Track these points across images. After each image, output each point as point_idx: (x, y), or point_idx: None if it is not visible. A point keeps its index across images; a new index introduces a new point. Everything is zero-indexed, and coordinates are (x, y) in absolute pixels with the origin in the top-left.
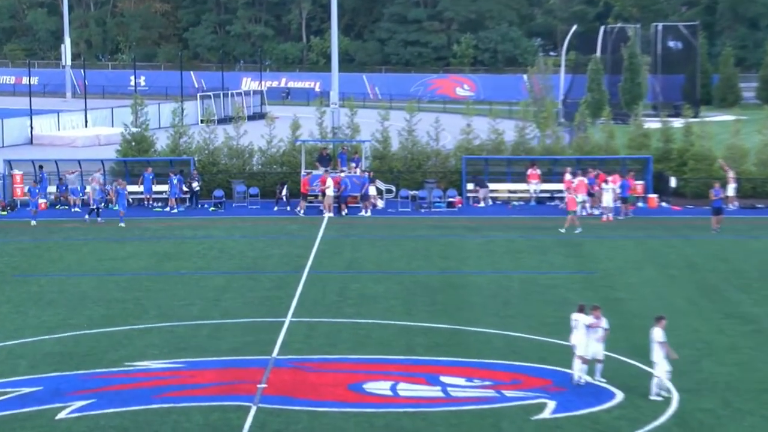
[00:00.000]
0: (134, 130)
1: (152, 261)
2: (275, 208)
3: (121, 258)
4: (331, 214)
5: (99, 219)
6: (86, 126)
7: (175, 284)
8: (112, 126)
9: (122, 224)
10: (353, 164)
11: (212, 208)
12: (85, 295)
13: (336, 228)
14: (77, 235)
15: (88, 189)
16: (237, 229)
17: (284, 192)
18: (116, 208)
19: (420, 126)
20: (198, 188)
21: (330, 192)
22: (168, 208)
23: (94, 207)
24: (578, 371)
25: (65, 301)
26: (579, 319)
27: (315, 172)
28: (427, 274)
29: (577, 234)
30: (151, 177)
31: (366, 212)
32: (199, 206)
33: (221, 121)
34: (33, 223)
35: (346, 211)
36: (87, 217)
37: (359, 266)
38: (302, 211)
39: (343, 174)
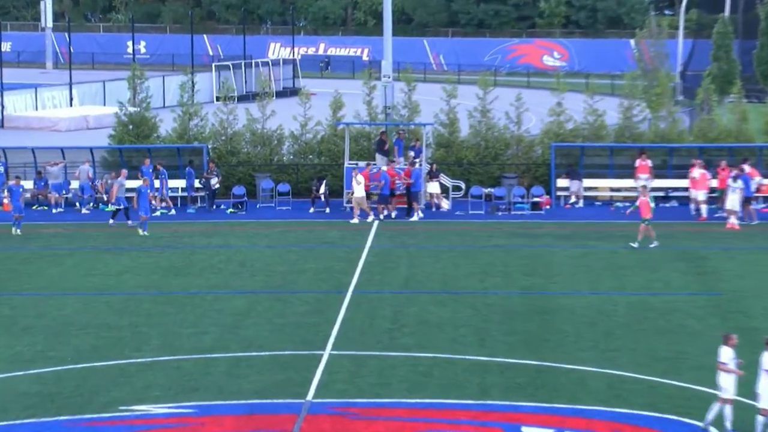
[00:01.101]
0: (132, 109)
1: (154, 277)
2: (311, 210)
3: (114, 273)
4: (372, 217)
5: (129, 222)
6: (71, 105)
7: (183, 307)
8: (104, 105)
9: (145, 232)
10: (412, 154)
11: (230, 210)
12: (69, 319)
13: (389, 236)
14: (59, 242)
15: (74, 184)
16: (262, 236)
17: (322, 189)
18: (115, 207)
19: (497, 105)
20: (217, 186)
21: (360, 191)
22: (164, 210)
23: (120, 207)
24: (729, 421)
25: (44, 327)
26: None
27: (371, 164)
28: (506, 295)
29: (697, 246)
30: (151, 171)
31: (415, 216)
32: (214, 207)
33: (242, 99)
34: (16, 231)
35: (385, 213)
36: (112, 221)
37: (418, 285)
38: (370, 218)
39: (389, 167)
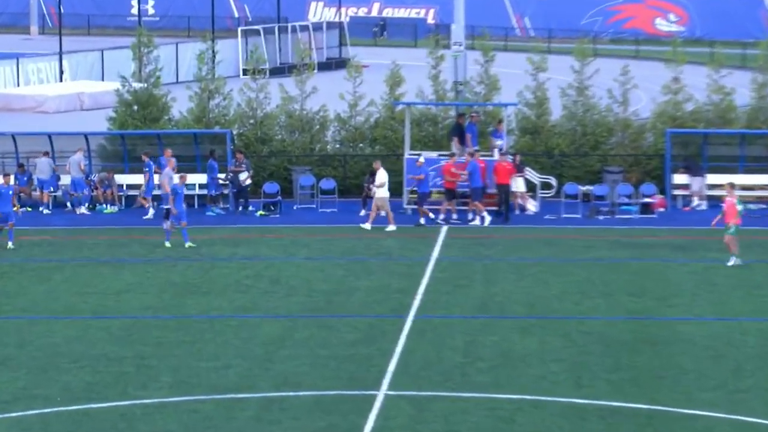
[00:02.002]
0: (137, 86)
1: (165, 297)
2: (362, 213)
3: (115, 291)
4: (392, 227)
5: (167, 223)
6: (61, 79)
7: (201, 334)
8: (102, 79)
9: (190, 244)
10: (499, 142)
11: (260, 213)
12: (58, 349)
13: (460, 245)
14: (46, 253)
15: (64, 180)
16: (300, 245)
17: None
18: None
19: (597, 81)
20: (248, 182)
21: (383, 192)
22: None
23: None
24: None
25: (28, 359)
26: None
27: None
28: (609, 320)
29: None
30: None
31: (477, 220)
32: (242, 209)
33: (276, 72)
34: (9, 244)
35: (424, 218)
36: (168, 223)
37: (498, 308)
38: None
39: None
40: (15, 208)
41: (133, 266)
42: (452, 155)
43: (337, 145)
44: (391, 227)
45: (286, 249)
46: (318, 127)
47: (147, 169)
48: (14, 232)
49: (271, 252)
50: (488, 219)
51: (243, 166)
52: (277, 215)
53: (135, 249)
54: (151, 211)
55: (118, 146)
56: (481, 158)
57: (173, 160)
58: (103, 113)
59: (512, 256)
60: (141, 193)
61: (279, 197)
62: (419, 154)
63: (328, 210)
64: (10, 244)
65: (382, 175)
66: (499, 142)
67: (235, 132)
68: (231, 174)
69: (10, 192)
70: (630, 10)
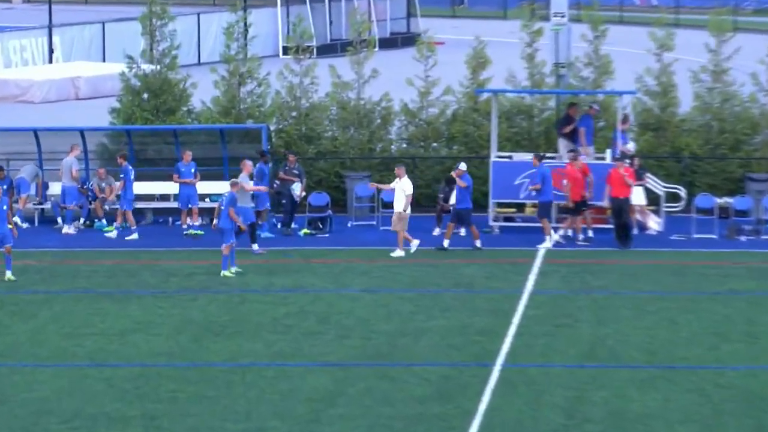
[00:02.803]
0: (148, 68)
1: (182, 339)
2: (436, 231)
3: (118, 332)
4: (416, 244)
5: (255, 247)
6: (51, 60)
7: (229, 387)
8: (103, 60)
9: (261, 250)
10: (631, 146)
11: (305, 231)
12: (46, 405)
13: (562, 274)
14: (32, 283)
15: (53, 188)
16: (356, 273)
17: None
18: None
19: (738, 62)
20: (300, 194)
21: (400, 206)
22: (191, 230)
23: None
24: None
25: (8, 418)
26: None
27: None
28: (753, 371)
29: None
30: (193, 169)
31: (547, 241)
32: (281, 225)
33: (325, 51)
34: (9, 276)
35: (477, 243)
36: (256, 246)
37: (610, 354)
38: (413, 243)
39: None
40: (10, 226)
41: (142, 300)
42: (575, 155)
43: (404, 145)
44: (399, 252)
45: (338, 278)
46: (379, 121)
47: (123, 175)
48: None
49: (318, 282)
50: (549, 242)
51: (294, 172)
52: (326, 234)
53: (144, 278)
54: (135, 235)
55: (123, 145)
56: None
57: (249, 163)
58: (104, 103)
59: (629, 287)
60: (111, 204)
61: (329, 211)
62: (509, 156)
63: (392, 227)
64: (8, 275)
65: (406, 185)
66: (630, 145)
67: (272, 128)
68: (280, 183)
69: (4, 207)
70: None
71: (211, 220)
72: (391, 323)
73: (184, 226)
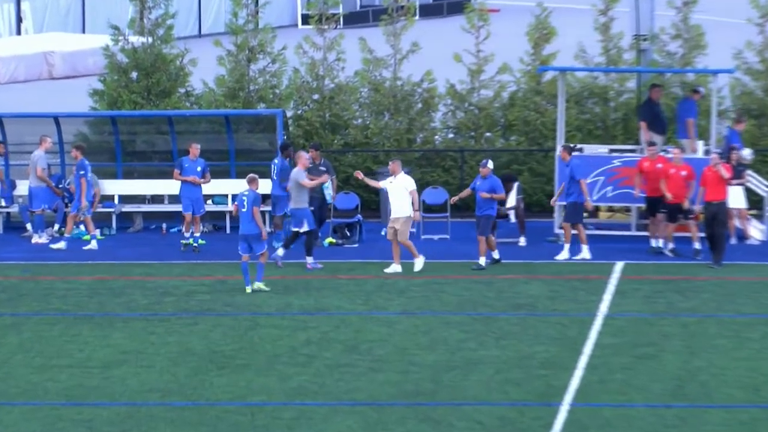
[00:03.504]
0: (138, 41)
1: (179, 372)
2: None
3: (102, 363)
4: (421, 262)
5: (309, 261)
6: (19, 32)
7: (237, 430)
8: (83, 32)
9: (317, 264)
10: (742, 151)
11: (330, 240)
12: None
13: (643, 293)
14: None
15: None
16: (392, 291)
17: (512, 200)
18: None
19: None
20: (332, 198)
21: (401, 209)
22: (190, 239)
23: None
24: None
25: None
26: None
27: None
28: None
29: None
30: (200, 167)
31: (584, 251)
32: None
33: (355, 20)
34: None
35: (496, 256)
36: (310, 260)
37: (702, 392)
38: (418, 261)
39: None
40: None
41: (130, 324)
42: (655, 149)
43: (451, 135)
44: (395, 267)
45: (370, 298)
46: (420, 106)
47: (83, 171)
48: None
49: (345, 302)
50: (586, 253)
51: (321, 169)
52: (355, 244)
53: (133, 297)
54: (94, 243)
55: (107, 135)
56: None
57: (306, 156)
58: (83, 84)
59: (725, 309)
60: (84, 210)
61: (358, 216)
62: (579, 149)
63: (436, 236)
64: None
65: (406, 183)
66: (747, 152)
67: (289, 113)
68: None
69: None
70: None
71: (216, 227)
72: (434, 353)
73: (187, 234)
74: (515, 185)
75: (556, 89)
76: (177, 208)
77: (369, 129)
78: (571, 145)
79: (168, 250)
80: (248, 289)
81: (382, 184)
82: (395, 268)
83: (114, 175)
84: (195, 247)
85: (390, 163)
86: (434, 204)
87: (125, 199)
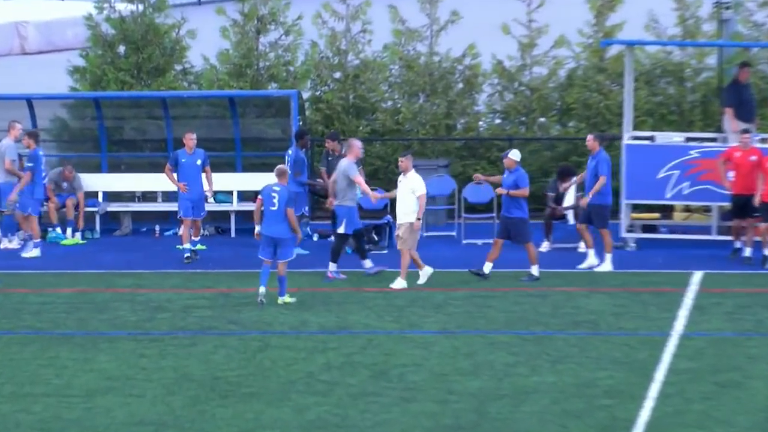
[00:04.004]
0: (125, 8)
1: (175, 402)
2: (545, 246)
3: (84, 392)
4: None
5: (367, 264)
6: None
7: None
8: None
9: (377, 269)
10: None
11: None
12: None
13: (727, 308)
14: None
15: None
16: (427, 306)
17: (571, 199)
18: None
19: None
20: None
21: (407, 214)
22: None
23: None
24: None
25: None
26: None
27: None
28: None
29: None
30: (200, 160)
31: (592, 259)
32: (314, 235)
33: None
34: None
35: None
36: (369, 264)
37: None
38: (407, 277)
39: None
40: None
41: (117, 345)
42: (748, 138)
43: (497, 120)
44: (400, 283)
45: (402, 314)
46: (461, 86)
47: (32, 164)
48: None
49: (372, 319)
50: (610, 264)
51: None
52: (384, 250)
53: (120, 313)
54: (35, 251)
55: (89, 121)
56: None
57: (358, 145)
58: (61, 60)
59: None
60: (10, 204)
61: (387, 217)
62: (650, 137)
63: (480, 241)
64: None
65: (414, 184)
66: None
67: (306, 95)
68: (321, 182)
69: None
70: None
71: (219, 230)
72: (478, 379)
73: (186, 246)
74: (574, 180)
75: (623, 66)
76: (172, 207)
77: (400, 113)
78: (605, 134)
79: (161, 257)
80: (261, 290)
81: (386, 195)
82: (400, 283)
83: (98, 168)
84: (190, 255)
85: (400, 159)
86: (478, 203)
87: (111, 196)
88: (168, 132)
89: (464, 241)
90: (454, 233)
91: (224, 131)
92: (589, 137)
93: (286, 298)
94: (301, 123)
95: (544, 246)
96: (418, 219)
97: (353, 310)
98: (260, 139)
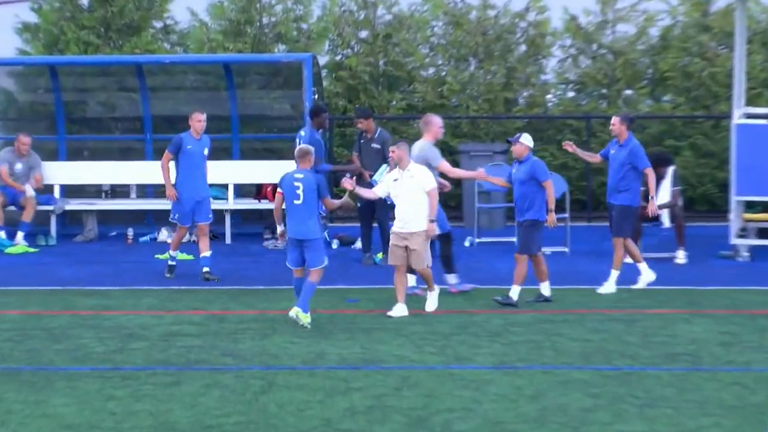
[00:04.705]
0: None
1: None
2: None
3: None
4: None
5: (452, 280)
6: None
7: None
8: None
9: (468, 287)
10: None
11: (381, 255)
12: None
13: None
14: None
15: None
16: (479, 333)
17: (668, 192)
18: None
19: None
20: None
21: (418, 215)
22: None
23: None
24: None
25: None
26: None
27: None
28: None
29: None
30: (206, 149)
31: (610, 284)
32: (334, 242)
33: None
34: None
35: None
36: (454, 279)
37: None
38: (430, 295)
39: None
40: None
41: (78, 383)
42: None
43: (571, 93)
44: (399, 310)
45: (448, 343)
46: (525, 49)
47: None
48: None
49: (409, 351)
50: (648, 278)
51: (376, 146)
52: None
53: (82, 341)
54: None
55: (42, 93)
56: None
57: (437, 120)
58: (7, 15)
59: None
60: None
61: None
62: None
63: (549, 249)
64: None
65: (422, 178)
66: None
67: (323, 60)
68: (353, 171)
69: None
70: None
71: (212, 235)
72: (546, 429)
73: (173, 253)
74: (670, 171)
75: (732, 24)
76: (150, 205)
77: (445, 84)
78: (632, 115)
79: (136, 270)
80: (303, 317)
81: (380, 187)
82: (399, 311)
83: (54, 155)
84: (169, 268)
85: (393, 149)
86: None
87: (71, 191)
88: (145, 108)
89: (546, 252)
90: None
91: (217, 107)
92: (616, 120)
93: (301, 314)
94: (316, 96)
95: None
96: (432, 221)
97: (384, 338)
98: (263, 117)
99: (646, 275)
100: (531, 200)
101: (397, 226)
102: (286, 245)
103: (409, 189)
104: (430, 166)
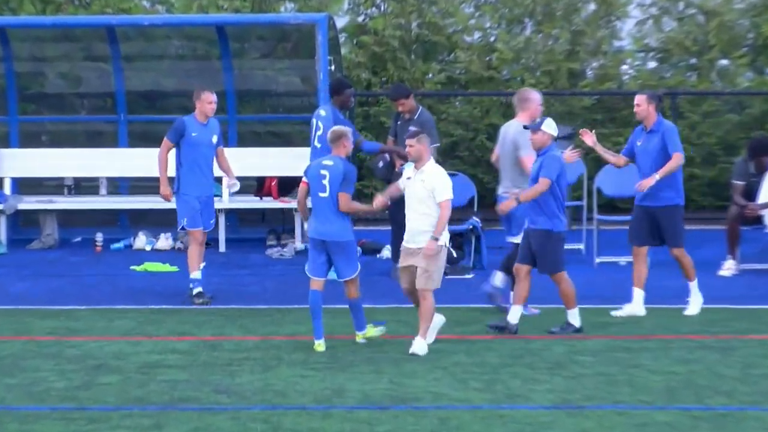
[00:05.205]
0: None
1: None
2: (727, 268)
3: None
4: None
5: (530, 308)
6: None
7: None
8: None
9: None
10: None
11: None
12: None
13: None
14: None
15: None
16: (535, 363)
17: None
18: None
19: None
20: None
21: (422, 226)
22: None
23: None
24: None
25: None
26: None
27: None
28: None
29: None
30: (215, 136)
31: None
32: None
33: None
34: None
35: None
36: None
37: None
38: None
39: None
40: None
41: (36, 427)
42: None
43: (651, 64)
44: (420, 345)
45: (496, 377)
46: (593, 8)
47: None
48: None
49: (447, 386)
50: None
51: (414, 129)
52: (469, 274)
53: (41, 374)
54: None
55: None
56: None
57: (535, 96)
58: None
59: None
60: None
61: (473, 219)
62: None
63: (623, 259)
64: None
65: (434, 181)
66: None
67: (342, 21)
68: (384, 160)
69: None
70: None
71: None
72: None
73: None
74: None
75: None
76: (125, 204)
77: (495, 52)
78: (660, 92)
79: (106, 285)
80: (319, 346)
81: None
82: (420, 346)
83: (4, 141)
84: (203, 294)
85: (410, 142)
86: (619, 196)
87: (25, 186)
88: (118, 81)
89: (597, 260)
90: (581, 245)
91: (209, 80)
92: (641, 99)
93: (369, 331)
94: (332, 68)
95: (728, 266)
96: (436, 239)
97: (417, 371)
98: (269, 93)
99: (637, 306)
100: (538, 204)
101: (404, 240)
102: (307, 247)
103: (418, 195)
104: (516, 151)
